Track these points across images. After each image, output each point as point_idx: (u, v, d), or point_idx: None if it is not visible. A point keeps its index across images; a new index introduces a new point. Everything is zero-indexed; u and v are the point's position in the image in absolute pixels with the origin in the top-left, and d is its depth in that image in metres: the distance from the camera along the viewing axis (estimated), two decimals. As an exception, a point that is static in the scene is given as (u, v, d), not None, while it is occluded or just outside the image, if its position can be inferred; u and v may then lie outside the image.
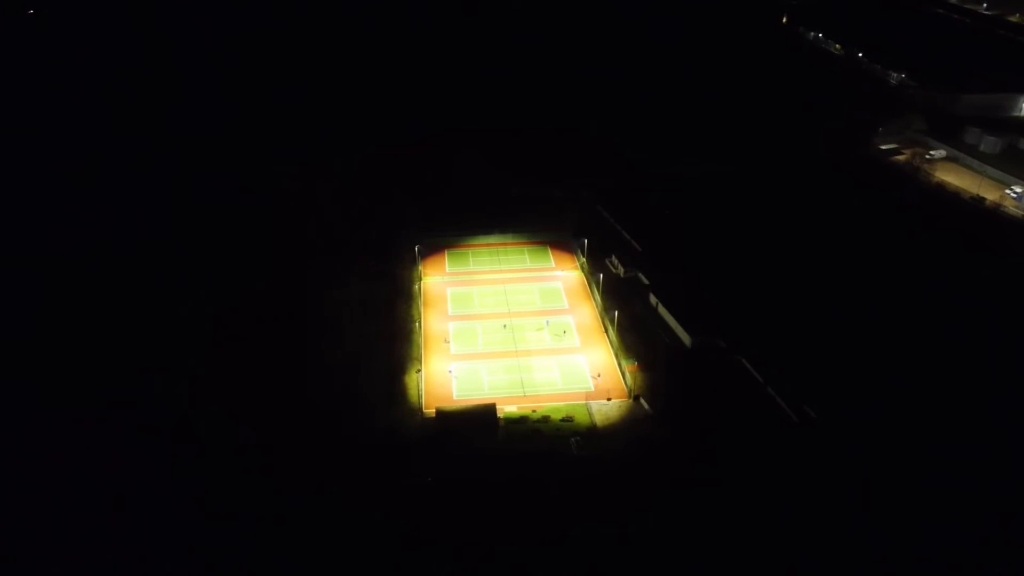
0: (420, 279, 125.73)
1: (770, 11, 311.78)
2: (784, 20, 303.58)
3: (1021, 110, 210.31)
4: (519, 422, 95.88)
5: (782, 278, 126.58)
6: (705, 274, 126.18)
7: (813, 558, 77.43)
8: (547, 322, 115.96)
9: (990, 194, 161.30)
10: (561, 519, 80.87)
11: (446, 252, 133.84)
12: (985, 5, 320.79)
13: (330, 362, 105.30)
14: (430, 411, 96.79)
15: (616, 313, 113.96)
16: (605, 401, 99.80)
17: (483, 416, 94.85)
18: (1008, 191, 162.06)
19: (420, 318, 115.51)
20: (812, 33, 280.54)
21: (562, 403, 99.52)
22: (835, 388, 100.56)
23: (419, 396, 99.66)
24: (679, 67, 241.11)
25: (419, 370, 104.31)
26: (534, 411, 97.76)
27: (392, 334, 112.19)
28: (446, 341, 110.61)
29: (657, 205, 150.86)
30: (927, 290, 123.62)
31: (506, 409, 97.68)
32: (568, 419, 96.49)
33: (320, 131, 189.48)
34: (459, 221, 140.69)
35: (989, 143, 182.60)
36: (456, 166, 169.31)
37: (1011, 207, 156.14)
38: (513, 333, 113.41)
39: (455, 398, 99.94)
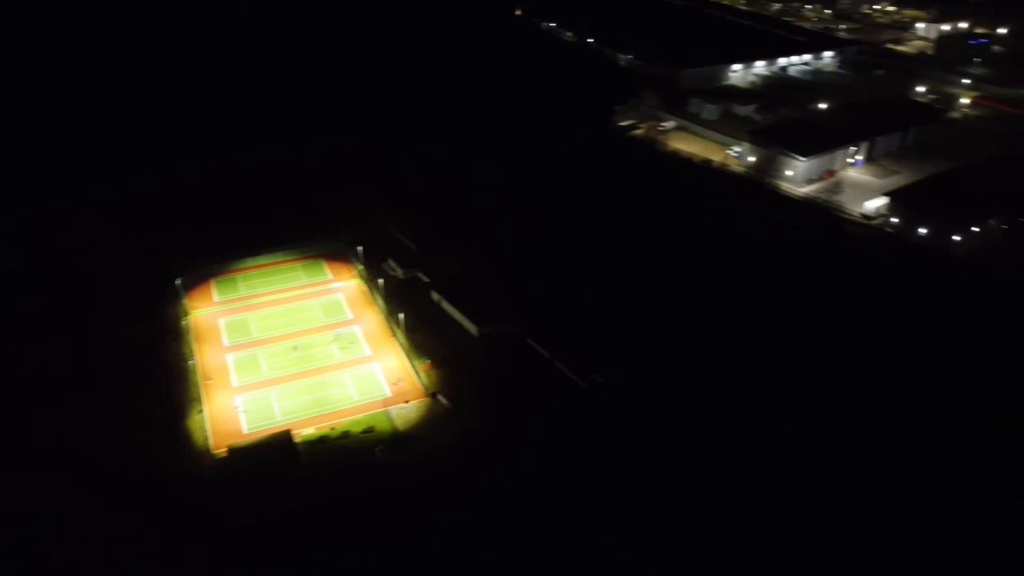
0: (186, 314, 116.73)
1: (506, 5, 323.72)
2: (519, 12, 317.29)
3: (729, 79, 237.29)
4: (319, 443, 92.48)
5: (556, 260, 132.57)
6: (484, 265, 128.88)
7: (613, 514, 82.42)
8: (337, 333, 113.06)
9: (716, 155, 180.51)
10: (379, 531, 79.24)
11: (212, 281, 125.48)
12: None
13: (100, 416, 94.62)
14: (221, 451, 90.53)
15: (402, 315, 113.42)
16: (404, 404, 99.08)
17: (279, 445, 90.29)
18: (730, 151, 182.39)
19: (193, 355, 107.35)
20: (545, 23, 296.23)
21: (361, 415, 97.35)
22: (621, 357, 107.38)
23: (206, 437, 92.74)
24: (427, 67, 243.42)
25: (200, 410, 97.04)
26: (333, 428, 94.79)
27: (165, 377, 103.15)
28: (209, 379, 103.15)
29: (428, 204, 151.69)
30: (689, 256, 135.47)
31: (303, 432, 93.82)
32: (369, 430, 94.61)
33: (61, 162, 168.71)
34: (221, 245, 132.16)
35: (710, 111, 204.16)
36: (204, 186, 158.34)
37: (734, 165, 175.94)
38: (300, 352, 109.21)
39: (246, 432, 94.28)
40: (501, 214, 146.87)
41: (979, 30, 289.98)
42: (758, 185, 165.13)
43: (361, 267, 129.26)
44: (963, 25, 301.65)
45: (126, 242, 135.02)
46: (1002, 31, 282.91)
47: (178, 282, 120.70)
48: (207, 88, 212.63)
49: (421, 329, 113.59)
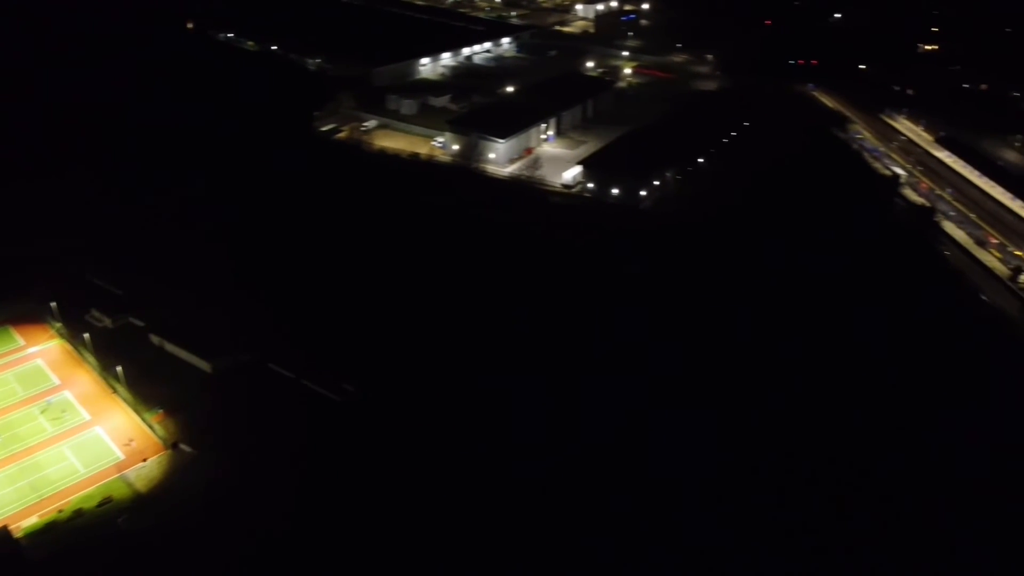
0: None
1: (177, 19, 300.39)
2: (191, 26, 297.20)
3: (421, 73, 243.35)
4: (47, 531, 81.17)
5: (279, 278, 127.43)
6: (202, 296, 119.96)
7: (395, 525, 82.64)
8: (48, 402, 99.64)
9: (422, 148, 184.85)
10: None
11: None
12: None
13: None
14: (-82, 573, 76.14)
15: (120, 368, 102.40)
16: (142, 463, 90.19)
17: (-4, 545, 78.02)
18: (434, 142, 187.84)
19: None
20: (223, 34, 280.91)
21: (93, 487, 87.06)
22: (368, 363, 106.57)
23: None
24: (93, 93, 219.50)
25: None
26: (61, 511, 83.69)
27: None
28: None
29: (125, 241, 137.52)
30: (414, 251, 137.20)
31: (24, 524, 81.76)
32: (107, 501, 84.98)
33: None
34: None
35: (407, 106, 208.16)
36: None
37: (440, 155, 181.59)
38: (2, 435, 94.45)
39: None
40: (209, 239, 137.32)
41: (628, 7, 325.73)
42: (465, 171, 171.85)
43: (59, 325, 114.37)
44: (614, 4, 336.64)
45: None
46: (646, 6, 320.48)
47: None
48: None
49: (145, 378, 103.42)
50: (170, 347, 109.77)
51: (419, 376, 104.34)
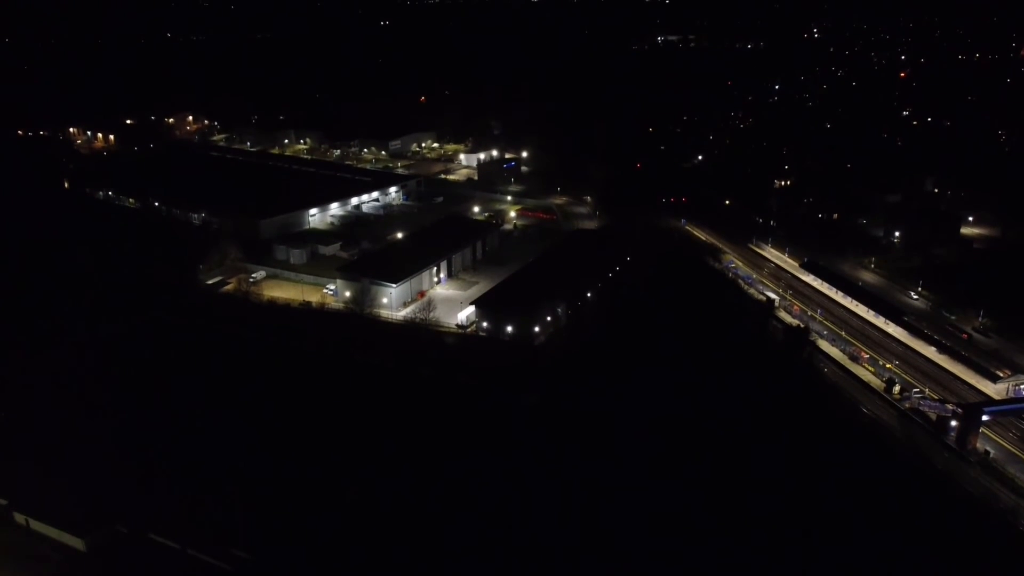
0: None
1: (53, 176, 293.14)
2: (66, 184, 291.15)
3: (310, 223, 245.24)
4: None
5: (159, 444, 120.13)
6: (70, 468, 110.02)
7: None
8: None
9: (313, 296, 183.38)
10: None
11: None
12: (248, 144, 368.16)
13: None
14: None
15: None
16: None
17: None
18: (326, 290, 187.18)
19: None
20: (101, 192, 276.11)
21: None
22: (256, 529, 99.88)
23: None
24: None
25: None
26: None
27: None
28: None
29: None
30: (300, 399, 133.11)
31: None
32: None
33: None
34: None
35: (296, 255, 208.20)
36: None
37: (332, 302, 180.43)
38: None
39: None
40: (74, 404, 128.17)
41: (508, 155, 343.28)
42: (359, 317, 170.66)
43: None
44: (495, 153, 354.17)
45: None
46: (525, 154, 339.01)
47: None
48: None
49: (10, 563, 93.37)
50: (36, 525, 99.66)
51: (316, 535, 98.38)
